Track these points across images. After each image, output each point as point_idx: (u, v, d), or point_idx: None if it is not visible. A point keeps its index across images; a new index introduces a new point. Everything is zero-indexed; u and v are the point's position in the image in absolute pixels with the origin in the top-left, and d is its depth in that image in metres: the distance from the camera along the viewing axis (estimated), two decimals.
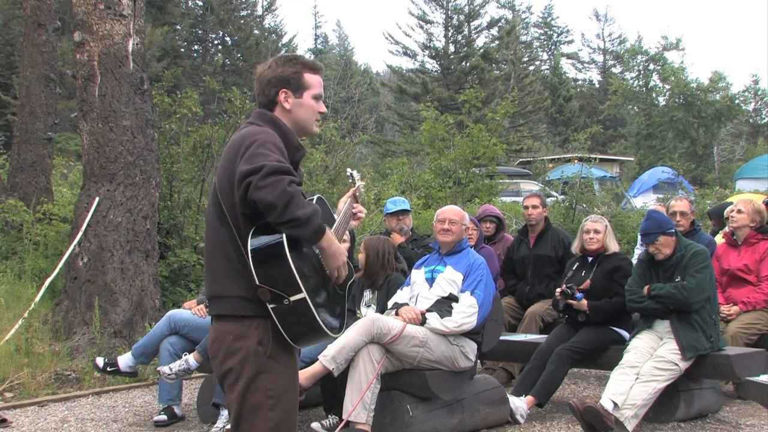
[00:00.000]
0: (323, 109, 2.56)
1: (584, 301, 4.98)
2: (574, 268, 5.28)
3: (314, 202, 2.52)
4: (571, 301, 5.01)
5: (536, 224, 6.29)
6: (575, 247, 5.33)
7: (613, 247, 5.16)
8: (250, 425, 2.30)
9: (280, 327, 2.27)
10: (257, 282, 2.23)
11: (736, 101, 30.58)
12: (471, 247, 4.83)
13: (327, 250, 2.35)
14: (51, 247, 8.68)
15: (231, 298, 2.33)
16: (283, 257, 2.21)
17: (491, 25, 37.93)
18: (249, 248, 2.25)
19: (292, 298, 2.22)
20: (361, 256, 4.86)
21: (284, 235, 2.23)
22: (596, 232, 5.14)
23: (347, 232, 5.04)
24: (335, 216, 2.71)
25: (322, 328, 2.28)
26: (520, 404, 4.71)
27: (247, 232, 2.28)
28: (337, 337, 2.51)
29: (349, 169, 3.10)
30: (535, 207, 6.28)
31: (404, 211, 5.97)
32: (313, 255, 2.38)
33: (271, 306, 2.25)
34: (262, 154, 2.23)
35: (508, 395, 4.73)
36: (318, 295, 2.32)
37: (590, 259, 5.21)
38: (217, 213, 2.39)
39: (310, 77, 2.51)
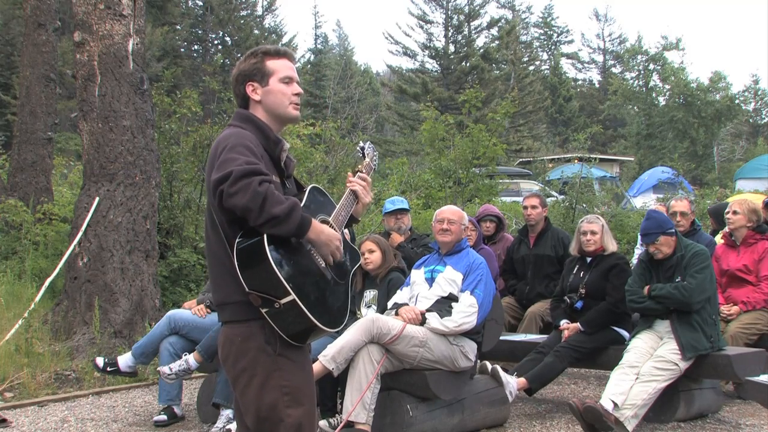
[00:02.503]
0: (298, 90, 2.52)
1: (576, 325, 5.01)
2: (573, 270, 5.28)
3: (307, 192, 2.50)
4: (563, 328, 5.06)
5: (536, 224, 6.30)
6: (573, 249, 5.34)
7: (611, 246, 5.17)
8: (271, 425, 2.29)
9: (277, 329, 2.25)
10: (246, 289, 2.21)
11: (736, 101, 30.59)
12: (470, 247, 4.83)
13: (316, 241, 2.32)
14: (51, 247, 8.69)
15: (233, 304, 2.33)
16: (264, 261, 2.17)
17: (491, 25, 37.93)
18: (234, 254, 2.23)
19: (282, 301, 2.19)
20: (376, 255, 4.85)
21: (264, 237, 2.19)
22: (593, 233, 5.15)
23: (347, 232, 5.05)
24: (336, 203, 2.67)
25: (319, 327, 2.26)
26: (512, 381, 4.70)
27: (235, 237, 2.26)
28: (339, 331, 2.48)
29: (361, 143, 2.97)
30: (534, 207, 6.28)
31: (402, 210, 5.97)
32: (305, 248, 2.35)
33: (264, 310, 2.23)
34: (231, 159, 2.22)
35: (501, 373, 4.70)
36: (312, 293, 2.29)
37: (589, 259, 5.22)
38: (210, 222, 2.39)
39: (273, 63, 2.49)
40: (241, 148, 2.27)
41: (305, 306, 2.21)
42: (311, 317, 2.22)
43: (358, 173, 2.70)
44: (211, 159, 2.34)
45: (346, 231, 5.26)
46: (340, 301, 2.43)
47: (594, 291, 5.09)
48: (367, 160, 2.85)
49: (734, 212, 5.56)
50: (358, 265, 2.62)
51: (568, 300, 5.14)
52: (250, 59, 2.50)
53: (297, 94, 2.51)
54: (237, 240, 2.24)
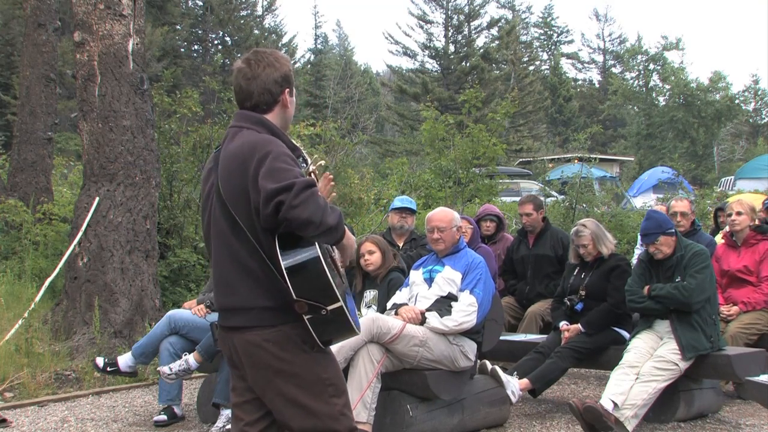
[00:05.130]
0: None
1: (576, 326, 5.00)
2: (574, 271, 5.28)
3: None
4: (563, 329, 5.05)
5: (533, 229, 6.31)
6: (571, 257, 5.33)
7: (606, 249, 5.12)
8: (317, 418, 2.35)
9: (314, 334, 2.30)
10: (294, 296, 2.24)
11: (736, 101, 30.62)
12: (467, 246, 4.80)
13: (345, 245, 2.39)
14: (51, 247, 8.68)
15: (255, 309, 2.34)
16: (320, 271, 2.24)
17: (491, 25, 37.95)
18: (283, 265, 2.24)
19: (329, 308, 2.26)
20: (376, 255, 4.84)
21: (318, 249, 2.24)
22: (584, 246, 5.13)
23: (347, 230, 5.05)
24: None
25: (354, 330, 2.35)
26: (512, 381, 4.69)
27: (268, 243, 2.28)
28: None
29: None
30: (528, 215, 6.27)
31: (410, 210, 5.99)
32: (326, 252, 2.40)
33: (308, 317, 2.27)
34: (284, 169, 2.24)
35: (500, 373, 4.70)
36: (344, 298, 2.36)
37: (589, 262, 5.22)
38: (230, 225, 2.36)
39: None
40: (286, 157, 2.29)
41: (347, 311, 2.30)
42: (351, 322, 2.31)
43: (325, 175, 2.75)
44: (243, 162, 2.30)
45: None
46: (353, 305, 2.51)
47: (594, 292, 5.08)
48: (311, 168, 2.84)
49: (738, 213, 5.55)
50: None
51: (568, 302, 5.13)
52: (287, 64, 2.50)
53: None
54: (284, 250, 2.25)
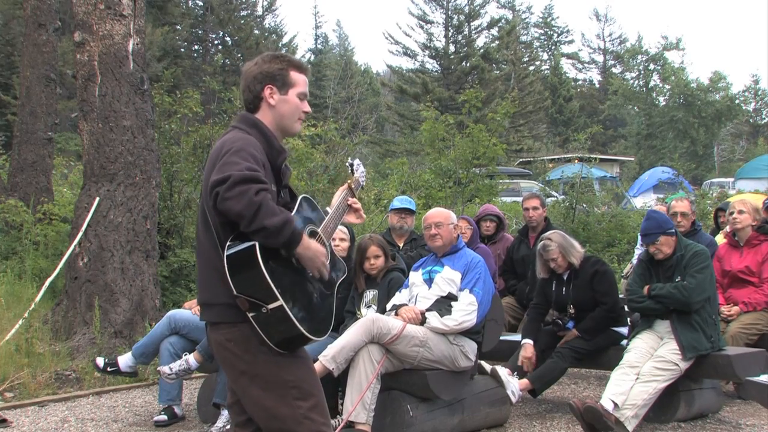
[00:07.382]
0: (308, 108, 2.56)
1: (573, 331, 4.97)
2: (552, 287, 5.12)
3: (299, 202, 2.50)
4: (561, 334, 5.02)
5: (537, 225, 6.30)
6: (540, 272, 5.14)
7: (576, 259, 4.99)
8: (281, 420, 2.31)
9: (261, 334, 2.25)
10: (235, 292, 2.22)
11: (736, 101, 30.66)
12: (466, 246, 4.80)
13: (303, 256, 2.31)
14: (51, 247, 8.69)
15: (220, 305, 2.34)
16: (255, 265, 2.18)
17: (491, 25, 37.97)
18: (224, 257, 2.23)
19: (270, 306, 2.20)
20: (381, 260, 4.81)
21: (256, 242, 2.20)
22: (554, 260, 5.02)
23: (347, 232, 5.04)
24: (328, 210, 2.69)
25: (304, 334, 2.27)
26: (513, 381, 4.69)
27: (227, 239, 2.27)
28: (323, 339, 2.50)
29: (350, 159, 3.04)
30: (535, 209, 6.26)
31: (409, 211, 5.99)
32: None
33: (251, 315, 2.24)
34: (232, 162, 2.22)
35: (501, 373, 4.68)
36: (299, 300, 2.29)
37: (565, 275, 5.09)
38: (203, 221, 2.39)
39: (296, 75, 2.52)
40: (245, 153, 2.27)
41: (291, 312, 2.22)
42: (296, 324, 2.24)
43: (349, 189, 2.78)
44: (213, 160, 2.34)
45: (345, 230, 5.25)
46: (325, 310, 2.44)
47: (583, 306, 4.98)
48: (356, 175, 2.89)
49: (740, 212, 5.54)
50: (344, 275, 2.63)
51: (560, 322, 5.05)
52: (275, 63, 2.50)
53: (306, 112, 2.55)
54: (228, 243, 2.24)
